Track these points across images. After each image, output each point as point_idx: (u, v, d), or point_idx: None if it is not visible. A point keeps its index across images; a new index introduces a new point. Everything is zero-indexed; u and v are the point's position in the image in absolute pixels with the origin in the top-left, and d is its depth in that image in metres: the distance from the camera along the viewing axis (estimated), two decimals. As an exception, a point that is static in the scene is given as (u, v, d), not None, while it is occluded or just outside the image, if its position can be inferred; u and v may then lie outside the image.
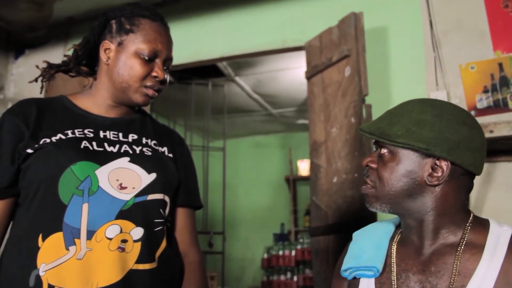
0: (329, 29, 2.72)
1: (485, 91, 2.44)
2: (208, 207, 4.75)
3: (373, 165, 1.08)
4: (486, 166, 2.42)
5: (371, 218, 2.30)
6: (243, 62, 3.96)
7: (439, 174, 1.00)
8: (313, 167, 2.76)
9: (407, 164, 1.02)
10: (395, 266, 1.08)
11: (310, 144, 2.80)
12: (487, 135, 2.23)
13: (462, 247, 1.00)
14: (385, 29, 2.77)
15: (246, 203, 6.07)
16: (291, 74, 4.25)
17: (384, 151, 1.05)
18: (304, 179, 5.61)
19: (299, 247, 5.20)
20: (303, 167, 5.70)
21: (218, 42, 3.23)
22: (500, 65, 2.43)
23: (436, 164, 1.01)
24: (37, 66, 1.43)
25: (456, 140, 1.00)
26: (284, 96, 4.86)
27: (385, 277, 1.08)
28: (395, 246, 1.12)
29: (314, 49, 2.83)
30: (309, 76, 2.86)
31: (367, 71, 2.46)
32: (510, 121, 2.27)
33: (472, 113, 2.44)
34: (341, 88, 2.57)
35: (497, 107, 2.40)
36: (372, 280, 1.09)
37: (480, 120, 2.38)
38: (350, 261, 1.15)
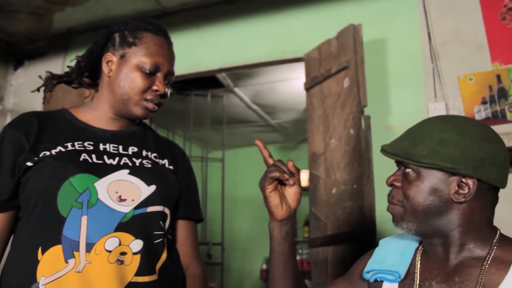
0: (328, 41, 2.73)
1: (484, 102, 2.45)
2: (207, 218, 4.74)
3: (398, 184, 1.07)
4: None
5: (370, 229, 2.30)
6: (242, 73, 3.97)
7: (466, 191, 1.00)
8: (312, 178, 2.76)
9: (433, 183, 1.02)
10: (418, 275, 1.08)
11: (309, 155, 2.80)
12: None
13: (489, 262, 0.99)
14: (384, 41, 2.78)
15: (245, 214, 6.05)
16: (290, 85, 4.26)
17: (408, 170, 1.05)
18: (303, 189, 5.56)
19: (298, 258, 5.18)
20: (302, 178, 5.70)
21: (218, 53, 3.24)
22: (498, 76, 2.44)
23: (462, 182, 1.00)
24: (40, 77, 1.44)
25: (481, 158, 1.00)
26: (283, 107, 4.87)
27: (408, 284, 1.08)
28: (420, 256, 1.12)
29: (313, 60, 2.85)
30: (308, 87, 2.87)
31: (366, 83, 2.46)
32: (509, 133, 2.27)
33: (471, 124, 2.45)
34: (340, 100, 2.58)
35: (496, 118, 2.41)
36: (396, 285, 1.10)
37: (479, 131, 2.39)
38: (374, 264, 1.15)
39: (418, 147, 1.03)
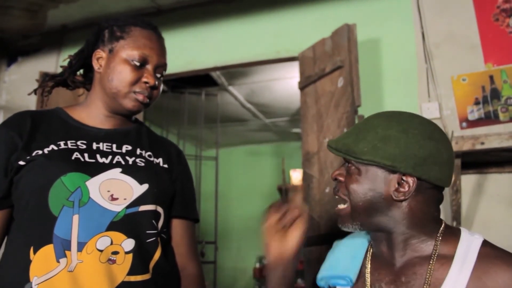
0: (322, 40, 2.73)
1: (477, 103, 2.46)
2: (200, 216, 4.74)
3: (341, 178, 1.08)
4: (477, 177, 2.43)
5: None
6: (236, 71, 3.97)
7: (406, 189, 1.00)
8: (306, 177, 2.76)
9: (373, 180, 1.02)
10: (369, 276, 1.08)
11: (303, 154, 2.80)
12: (478, 146, 2.24)
13: (435, 259, 1.00)
14: (378, 40, 2.79)
15: (239, 213, 6.05)
16: (285, 84, 4.27)
17: (351, 166, 1.05)
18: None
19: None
20: (296, 177, 5.70)
21: (212, 51, 3.23)
22: (491, 77, 2.45)
23: (402, 180, 1.00)
24: (37, 80, 1.44)
25: (422, 156, 0.99)
26: (277, 105, 4.87)
27: (360, 287, 1.08)
28: (370, 257, 1.12)
29: (308, 59, 2.85)
30: (302, 86, 2.87)
31: (360, 82, 2.47)
32: (501, 133, 2.28)
33: (464, 124, 2.46)
34: (334, 99, 2.58)
35: (488, 119, 2.42)
36: None
37: (471, 131, 2.40)
38: (326, 271, 1.15)
39: (360, 143, 1.03)
